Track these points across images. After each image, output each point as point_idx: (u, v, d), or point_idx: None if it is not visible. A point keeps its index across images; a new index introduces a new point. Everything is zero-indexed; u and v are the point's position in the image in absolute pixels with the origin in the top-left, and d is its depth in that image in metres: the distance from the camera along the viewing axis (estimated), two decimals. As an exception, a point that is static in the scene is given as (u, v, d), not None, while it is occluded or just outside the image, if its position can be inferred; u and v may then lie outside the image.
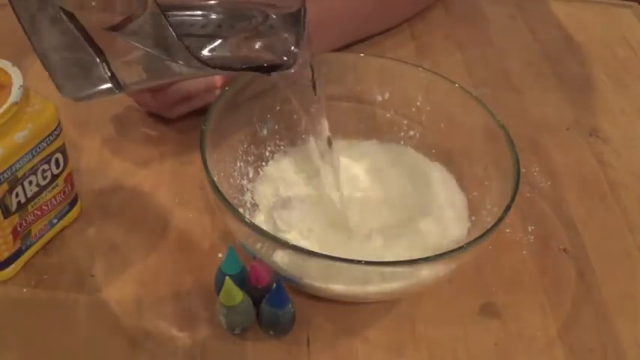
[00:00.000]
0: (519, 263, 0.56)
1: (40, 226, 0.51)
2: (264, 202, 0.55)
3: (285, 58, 0.44)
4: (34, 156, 0.47)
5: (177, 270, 0.52)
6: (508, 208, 0.47)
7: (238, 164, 0.55)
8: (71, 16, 0.41)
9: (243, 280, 0.47)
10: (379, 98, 0.59)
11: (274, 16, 0.43)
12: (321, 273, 0.47)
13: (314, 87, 0.47)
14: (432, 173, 0.57)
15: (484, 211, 0.51)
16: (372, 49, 0.74)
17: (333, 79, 0.58)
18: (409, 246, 0.52)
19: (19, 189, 0.47)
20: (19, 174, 0.47)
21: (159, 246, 0.54)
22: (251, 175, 0.56)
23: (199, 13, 0.41)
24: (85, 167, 0.59)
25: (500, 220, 0.46)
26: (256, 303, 0.47)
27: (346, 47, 0.72)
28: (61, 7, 0.41)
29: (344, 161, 0.57)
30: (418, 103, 0.58)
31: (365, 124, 0.60)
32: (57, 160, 0.50)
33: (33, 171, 0.48)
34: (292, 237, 0.52)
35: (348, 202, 0.54)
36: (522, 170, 0.49)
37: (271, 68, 0.44)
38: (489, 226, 0.45)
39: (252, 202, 0.55)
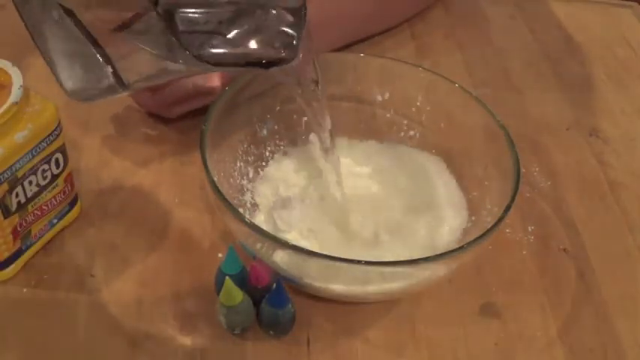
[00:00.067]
0: (519, 263, 0.56)
1: (40, 226, 0.51)
2: (264, 202, 0.55)
3: (284, 54, 0.44)
4: (34, 156, 0.47)
5: (177, 270, 0.52)
6: (508, 208, 0.47)
7: (238, 164, 0.55)
8: (72, 15, 0.41)
9: (243, 280, 0.47)
10: (379, 98, 0.59)
11: (275, 12, 0.43)
12: (321, 273, 0.47)
13: (317, 83, 0.47)
14: (432, 173, 0.57)
15: (484, 211, 0.51)
16: (372, 49, 0.74)
17: (333, 79, 0.58)
18: (409, 246, 0.52)
19: (19, 189, 0.47)
20: (19, 174, 0.47)
21: (159, 246, 0.54)
22: (251, 175, 0.56)
23: (201, 10, 0.41)
24: (85, 167, 0.59)
25: (500, 220, 0.46)
26: (256, 303, 0.47)
27: (346, 47, 0.72)
28: (60, 5, 0.41)
29: (344, 161, 0.57)
30: (418, 103, 0.58)
31: (365, 124, 0.60)
32: (57, 160, 0.50)
33: (33, 171, 0.48)
34: (292, 237, 0.52)
35: (348, 202, 0.54)
36: (522, 170, 0.49)
37: (272, 64, 0.44)
38: (489, 226, 0.45)
39: (252, 202, 0.55)
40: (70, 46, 0.43)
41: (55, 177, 0.50)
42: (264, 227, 0.48)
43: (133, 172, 0.59)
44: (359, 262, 0.43)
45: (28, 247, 0.51)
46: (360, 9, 0.72)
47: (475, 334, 0.51)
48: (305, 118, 0.58)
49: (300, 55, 0.44)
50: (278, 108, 0.57)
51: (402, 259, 0.44)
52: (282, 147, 0.59)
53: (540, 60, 0.78)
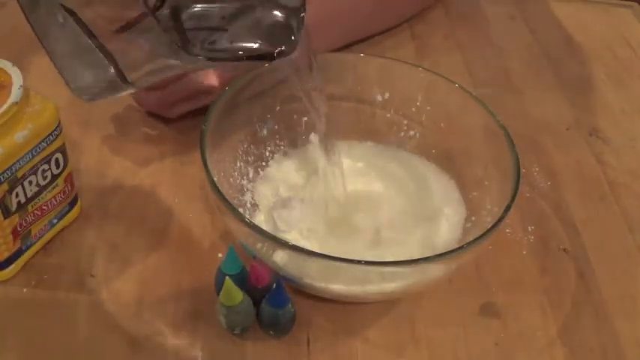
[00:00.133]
0: (519, 263, 0.56)
1: (40, 226, 0.51)
2: (264, 202, 0.55)
3: (284, 47, 0.44)
4: (34, 156, 0.47)
5: (177, 270, 0.52)
6: (508, 208, 0.47)
7: (238, 164, 0.55)
8: (74, 15, 0.42)
9: (243, 280, 0.47)
10: (379, 98, 0.59)
11: (274, 7, 0.44)
12: (321, 273, 0.47)
13: (310, 68, 0.47)
14: (430, 175, 0.57)
15: (484, 211, 0.51)
16: (372, 49, 0.74)
17: (333, 79, 0.58)
18: (409, 246, 0.52)
19: (19, 189, 0.47)
20: (19, 174, 0.47)
21: (159, 246, 0.54)
22: (251, 175, 0.56)
23: (205, 6, 0.41)
24: (85, 167, 0.59)
25: (500, 220, 0.46)
26: (256, 303, 0.47)
27: (346, 47, 0.72)
28: (63, 6, 0.41)
29: (344, 161, 0.57)
30: (418, 103, 0.58)
31: (365, 125, 0.60)
32: (57, 160, 0.50)
33: (33, 171, 0.48)
34: (292, 237, 0.52)
35: (348, 202, 0.54)
36: (522, 170, 0.49)
37: (272, 57, 0.44)
38: (489, 226, 0.45)
39: (252, 202, 0.55)
40: (75, 47, 0.44)
41: (55, 177, 0.50)
42: (264, 227, 0.48)
43: (133, 172, 0.59)
44: (359, 262, 0.43)
45: (28, 247, 0.51)
46: (360, 7, 0.72)
47: (475, 334, 0.51)
48: (305, 118, 0.58)
49: (300, 48, 0.45)
50: (278, 108, 0.57)
51: (401, 259, 0.44)
52: (282, 147, 0.59)
53: (540, 60, 0.78)
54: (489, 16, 0.84)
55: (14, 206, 0.48)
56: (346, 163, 0.58)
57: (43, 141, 0.48)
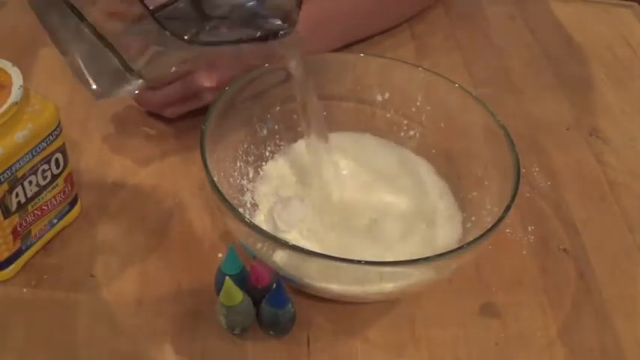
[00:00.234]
0: (519, 263, 0.56)
1: (40, 226, 0.51)
2: (264, 202, 0.55)
3: (285, 25, 0.45)
4: (34, 156, 0.47)
5: (177, 270, 0.52)
6: (508, 208, 0.47)
7: (238, 164, 0.55)
8: (80, 14, 0.42)
9: (243, 280, 0.47)
10: (379, 98, 0.59)
11: None
12: (321, 273, 0.47)
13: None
14: (430, 175, 0.57)
15: (484, 211, 0.51)
16: (372, 49, 0.74)
17: (333, 79, 0.58)
18: (409, 246, 0.52)
19: (19, 189, 0.47)
20: (19, 174, 0.47)
21: (159, 246, 0.54)
22: (251, 175, 0.56)
23: None
24: (85, 167, 0.59)
25: (500, 220, 0.46)
26: (256, 303, 0.47)
27: (346, 47, 0.72)
28: (70, 7, 0.42)
29: (343, 161, 0.58)
30: (418, 103, 0.58)
31: (365, 124, 0.60)
32: (57, 160, 0.50)
33: (33, 171, 0.48)
34: (292, 237, 0.52)
35: (348, 203, 0.54)
36: (522, 170, 0.49)
37: (275, 36, 0.45)
38: (489, 226, 0.45)
39: (252, 202, 0.55)
40: (86, 47, 0.44)
41: (55, 177, 0.50)
42: (264, 227, 0.48)
43: (133, 172, 0.59)
44: (359, 262, 0.43)
45: (28, 247, 0.51)
46: (360, 6, 0.72)
47: (475, 334, 0.51)
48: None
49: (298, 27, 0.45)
50: (278, 108, 0.57)
51: (401, 259, 0.44)
52: (282, 147, 0.59)
53: (540, 60, 0.78)
54: (489, 16, 0.84)
55: (14, 206, 0.48)
56: (346, 163, 0.58)
57: (43, 141, 0.48)
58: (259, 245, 0.47)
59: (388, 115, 0.59)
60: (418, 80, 0.57)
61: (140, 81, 0.46)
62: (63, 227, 0.54)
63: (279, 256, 0.46)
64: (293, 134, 0.59)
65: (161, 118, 0.64)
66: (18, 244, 0.50)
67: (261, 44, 0.46)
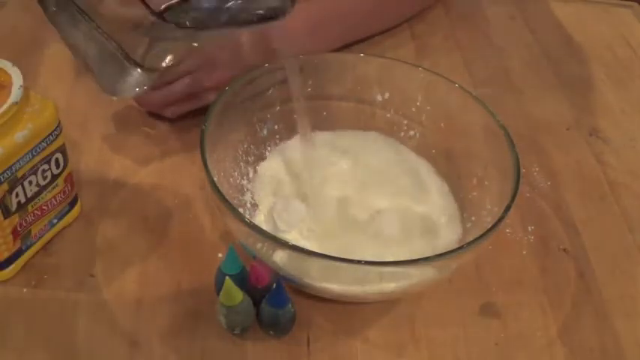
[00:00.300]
0: (519, 263, 0.56)
1: (40, 226, 0.51)
2: (264, 202, 0.55)
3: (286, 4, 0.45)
4: (34, 156, 0.47)
5: (177, 270, 0.52)
6: (508, 208, 0.47)
7: (238, 164, 0.55)
8: (88, 17, 0.42)
9: (243, 280, 0.47)
10: (379, 98, 0.59)
11: None
12: (321, 273, 0.47)
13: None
14: (430, 175, 0.57)
15: (484, 211, 0.51)
16: (372, 49, 0.74)
17: (333, 79, 0.58)
18: (409, 246, 0.52)
19: (19, 189, 0.47)
20: (19, 174, 0.47)
21: (159, 246, 0.54)
22: (251, 175, 0.56)
23: None
24: (85, 167, 0.59)
25: (500, 220, 0.46)
26: (256, 303, 0.47)
27: (346, 47, 0.72)
28: (77, 9, 0.42)
29: (343, 161, 0.58)
30: (418, 103, 0.58)
31: (365, 124, 0.60)
32: (57, 160, 0.50)
33: (33, 171, 0.48)
34: (292, 237, 0.52)
35: (348, 203, 0.54)
36: (522, 170, 0.49)
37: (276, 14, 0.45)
38: (489, 226, 0.46)
39: (252, 202, 0.55)
40: (98, 48, 0.44)
41: (55, 177, 0.50)
42: (264, 227, 0.48)
43: (133, 172, 0.59)
44: (359, 262, 0.43)
45: (28, 247, 0.51)
46: (360, 6, 0.72)
47: (475, 334, 0.51)
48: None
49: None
50: (278, 108, 0.57)
51: (401, 259, 0.44)
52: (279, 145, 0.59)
53: (540, 60, 0.78)
54: (489, 16, 0.84)
55: (14, 206, 0.48)
56: (346, 163, 0.58)
57: (43, 141, 0.48)
58: (259, 245, 0.47)
59: (388, 115, 0.59)
60: (418, 80, 0.57)
61: (148, 76, 0.46)
62: (63, 227, 0.54)
63: (279, 256, 0.46)
64: (293, 134, 0.58)
65: (161, 118, 0.64)
66: (18, 244, 0.50)
67: (260, 25, 0.46)
